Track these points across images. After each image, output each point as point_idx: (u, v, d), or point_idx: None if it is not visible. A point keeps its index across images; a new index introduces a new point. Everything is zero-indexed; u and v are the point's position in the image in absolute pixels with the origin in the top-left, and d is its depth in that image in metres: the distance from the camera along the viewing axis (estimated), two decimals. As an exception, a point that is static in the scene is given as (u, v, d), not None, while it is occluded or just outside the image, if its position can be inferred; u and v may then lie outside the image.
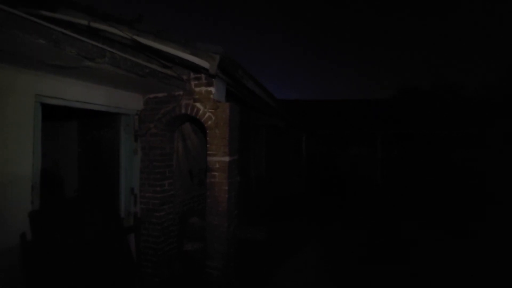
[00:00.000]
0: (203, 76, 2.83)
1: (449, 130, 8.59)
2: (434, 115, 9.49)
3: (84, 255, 2.39)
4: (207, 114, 2.80)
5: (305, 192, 9.04)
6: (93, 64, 1.98)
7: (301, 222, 5.75)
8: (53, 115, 3.36)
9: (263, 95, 3.96)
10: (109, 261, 2.59)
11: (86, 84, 2.46)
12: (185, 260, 3.35)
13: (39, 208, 2.11)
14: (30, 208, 2.05)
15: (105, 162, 3.18)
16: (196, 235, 3.46)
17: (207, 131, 2.81)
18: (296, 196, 8.33)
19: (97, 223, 2.64)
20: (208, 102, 2.80)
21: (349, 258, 3.93)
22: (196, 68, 2.64)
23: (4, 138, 1.89)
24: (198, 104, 2.85)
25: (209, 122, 2.79)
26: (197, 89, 2.86)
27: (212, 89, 2.80)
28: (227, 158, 2.73)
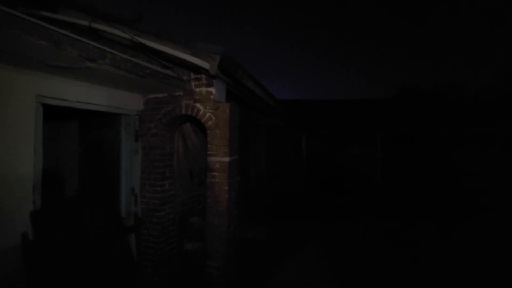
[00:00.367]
0: (203, 76, 2.83)
1: (449, 130, 8.60)
2: (434, 115, 9.50)
3: (84, 255, 2.40)
4: (207, 114, 2.81)
5: (305, 192, 9.05)
6: (94, 65, 1.99)
7: (301, 222, 5.76)
8: (54, 116, 3.37)
9: (263, 95, 3.97)
10: (109, 261, 2.60)
11: (86, 85, 2.47)
12: (185, 260, 3.36)
13: (40, 208, 2.12)
14: (31, 208, 2.06)
15: (106, 162, 3.19)
16: (196, 235, 3.47)
17: (207, 131, 2.82)
18: (296, 196, 8.34)
19: (98, 223, 2.65)
20: (208, 102, 2.81)
21: (350, 258, 3.94)
22: (197, 69, 2.65)
23: (5, 138, 1.90)
24: (198, 105, 2.86)
25: (209, 123, 2.80)
26: (197, 89, 2.87)
27: (212, 89, 2.81)
28: (227, 158, 2.74)
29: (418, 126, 8.98)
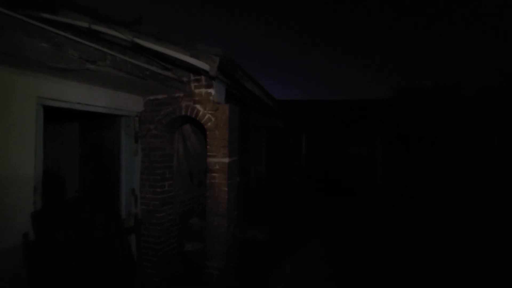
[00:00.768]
0: (203, 77, 2.85)
1: (450, 130, 8.60)
2: (435, 115, 9.50)
3: (85, 255, 2.41)
4: (207, 115, 2.82)
5: (305, 192, 9.06)
6: (94, 66, 2.00)
7: (301, 222, 5.77)
8: (55, 117, 3.38)
9: (262, 96, 3.98)
10: (110, 261, 2.61)
11: (87, 86, 2.49)
12: (185, 261, 3.37)
13: (41, 208, 2.14)
14: (32, 208, 2.07)
15: (106, 163, 3.20)
16: (196, 236, 3.48)
17: (207, 133, 2.84)
18: (296, 196, 8.35)
19: (98, 223, 2.66)
20: (208, 103, 2.82)
21: (350, 258, 3.95)
22: (196, 70, 2.66)
23: (6, 139, 1.91)
24: (198, 106, 2.87)
25: (209, 124, 2.81)
26: (197, 90, 2.88)
27: (212, 90, 2.82)
28: (226, 159, 2.75)
29: (418, 126, 8.98)
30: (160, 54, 2.48)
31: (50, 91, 2.17)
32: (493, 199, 7.34)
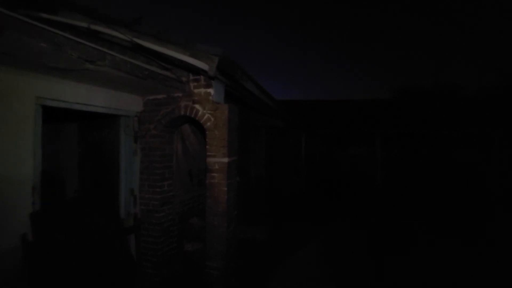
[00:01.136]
0: (202, 77, 2.84)
1: (449, 130, 8.60)
2: (434, 115, 9.50)
3: (84, 256, 2.41)
4: (206, 115, 2.82)
5: (305, 192, 9.06)
6: (94, 67, 2.00)
7: (301, 222, 5.77)
8: (54, 117, 3.38)
9: (262, 96, 3.98)
10: (109, 262, 2.61)
11: (86, 86, 2.48)
12: (185, 261, 3.36)
13: (40, 209, 2.13)
14: (31, 209, 2.06)
15: (105, 163, 3.20)
16: (195, 236, 3.48)
17: (206, 132, 2.83)
18: (296, 196, 8.35)
19: (98, 223, 2.66)
20: (207, 103, 2.82)
21: (350, 258, 3.95)
22: (195, 70, 2.66)
23: (4, 140, 1.91)
24: (197, 106, 2.87)
25: (208, 124, 2.81)
26: (196, 90, 2.88)
27: (211, 90, 2.82)
28: (226, 159, 2.75)
29: (418, 126, 8.98)
30: (160, 54, 2.48)
31: (49, 91, 2.17)
32: (493, 199, 7.34)
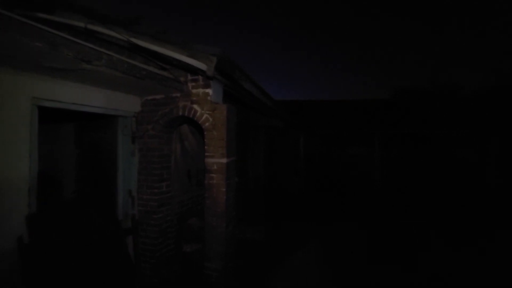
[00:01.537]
0: (200, 77, 2.83)
1: (448, 129, 8.62)
2: (433, 115, 9.53)
3: (81, 258, 2.38)
4: (205, 115, 2.80)
5: (304, 192, 9.06)
6: (90, 66, 1.98)
7: (300, 222, 5.76)
8: (51, 117, 3.35)
9: (260, 96, 3.97)
10: (107, 263, 2.59)
11: (83, 87, 2.46)
12: (183, 262, 3.35)
13: (36, 211, 2.11)
14: (27, 211, 2.04)
15: (103, 164, 3.18)
16: (194, 236, 3.46)
17: (205, 133, 2.82)
18: (295, 196, 8.34)
19: (95, 225, 2.63)
20: (206, 103, 2.80)
21: (349, 258, 3.94)
22: (194, 70, 2.65)
23: (0, 141, 1.89)
24: (195, 106, 2.85)
25: (207, 124, 2.79)
26: (194, 90, 2.87)
27: (209, 90, 2.80)
28: (224, 160, 2.74)
29: (416, 126, 9.00)
30: (158, 54, 2.46)
31: (45, 91, 2.15)
32: (490, 198, 7.36)
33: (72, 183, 3.55)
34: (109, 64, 2.08)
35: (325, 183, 9.57)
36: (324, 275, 3.43)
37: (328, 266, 3.66)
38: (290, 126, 8.33)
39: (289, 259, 3.86)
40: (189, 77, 2.89)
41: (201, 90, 2.84)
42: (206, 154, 2.81)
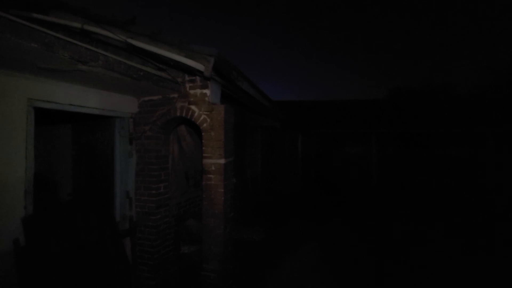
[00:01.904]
0: (198, 78, 2.82)
1: (443, 128, 8.71)
2: (428, 114, 9.62)
3: (79, 260, 2.36)
4: (202, 116, 2.80)
5: (301, 192, 9.07)
6: (86, 67, 1.97)
7: (298, 221, 5.76)
8: (47, 119, 3.32)
9: (258, 96, 3.97)
10: (104, 265, 2.57)
11: (79, 88, 2.44)
12: (181, 263, 3.33)
13: (32, 213, 2.09)
14: (23, 213, 2.02)
15: (100, 165, 3.16)
16: (192, 238, 3.45)
17: (203, 134, 2.81)
18: (292, 196, 8.35)
19: (92, 227, 2.61)
20: (203, 104, 2.80)
21: (347, 258, 3.95)
22: (191, 71, 2.64)
23: (-5, 143, 1.87)
24: (193, 107, 2.84)
25: (204, 125, 2.79)
26: (192, 91, 2.86)
27: (207, 91, 2.80)
28: (222, 161, 2.73)
29: (412, 125, 9.08)
30: (154, 54, 2.46)
31: (41, 92, 2.13)
32: (487, 196, 7.44)
33: (69, 185, 3.52)
34: (105, 65, 2.06)
35: (322, 182, 9.60)
36: (322, 275, 3.44)
37: (326, 266, 3.66)
38: (287, 126, 8.36)
39: (287, 259, 3.87)
40: (187, 78, 2.88)
41: (198, 91, 2.83)
42: (204, 155, 2.80)
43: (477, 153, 8.42)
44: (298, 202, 7.75)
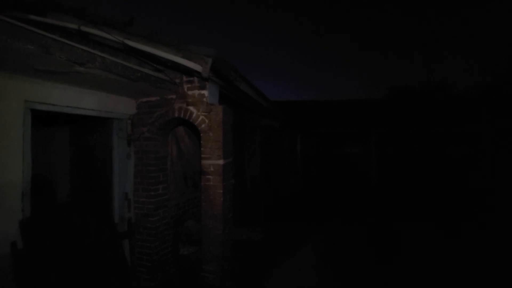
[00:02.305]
0: (195, 79, 2.82)
1: (442, 128, 8.73)
2: (427, 114, 9.63)
3: (77, 262, 2.35)
4: (201, 117, 2.79)
5: (300, 192, 9.08)
6: (83, 69, 1.96)
7: (297, 222, 5.76)
8: (44, 120, 3.31)
9: (256, 97, 3.97)
10: (103, 268, 2.55)
11: (76, 89, 2.43)
12: (180, 264, 3.32)
13: (30, 215, 2.08)
14: (20, 216, 2.01)
15: (98, 167, 3.14)
16: (191, 239, 3.44)
17: (201, 134, 2.81)
18: (291, 196, 8.35)
19: (90, 229, 2.60)
20: (201, 105, 2.79)
21: (347, 257, 3.95)
22: (189, 71, 2.63)
23: (-8, 145, 1.85)
24: (191, 108, 2.84)
25: (203, 126, 2.78)
26: (190, 92, 2.85)
27: (205, 92, 2.79)
28: (221, 161, 2.73)
29: (411, 124, 9.09)
30: (152, 55, 2.45)
31: (38, 94, 2.12)
32: (485, 195, 7.45)
33: (66, 187, 3.51)
34: (103, 66, 2.05)
35: (321, 182, 9.60)
36: (321, 276, 3.43)
37: (326, 266, 3.66)
38: (287, 126, 8.35)
39: (287, 260, 3.86)
40: (185, 79, 2.87)
41: (196, 92, 2.82)
42: (203, 156, 2.79)
43: (476, 152, 8.44)
44: (298, 202, 7.76)
